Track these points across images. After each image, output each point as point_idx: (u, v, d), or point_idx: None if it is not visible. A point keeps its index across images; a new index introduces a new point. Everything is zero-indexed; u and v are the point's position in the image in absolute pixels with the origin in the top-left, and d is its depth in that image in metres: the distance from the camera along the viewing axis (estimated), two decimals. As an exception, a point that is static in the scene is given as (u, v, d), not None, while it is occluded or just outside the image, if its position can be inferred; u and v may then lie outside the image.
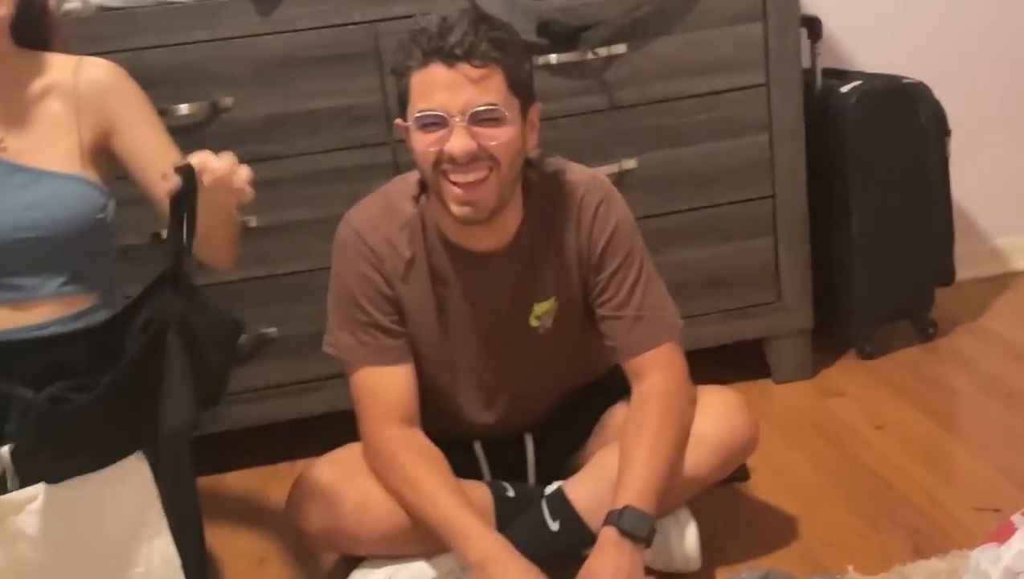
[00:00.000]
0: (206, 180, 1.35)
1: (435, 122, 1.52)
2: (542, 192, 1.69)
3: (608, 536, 1.57)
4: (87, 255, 1.60)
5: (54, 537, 1.37)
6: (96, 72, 1.63)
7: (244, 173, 1.40)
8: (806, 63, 2.34)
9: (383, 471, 1.67)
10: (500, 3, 2.06)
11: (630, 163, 2.20)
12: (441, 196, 1.58)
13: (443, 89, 1.51)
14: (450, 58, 1.50)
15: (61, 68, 1.62)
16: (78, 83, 1.61)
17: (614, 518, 1.57)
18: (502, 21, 1.58)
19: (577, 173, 1.73)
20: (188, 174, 1.35)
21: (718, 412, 1.71)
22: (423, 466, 1.65)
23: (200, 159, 1.36)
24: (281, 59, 2.08)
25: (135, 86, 1.66)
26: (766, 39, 2.20)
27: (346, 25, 2.08)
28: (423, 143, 1.55)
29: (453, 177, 1.55)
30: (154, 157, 1.61)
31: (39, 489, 1.35)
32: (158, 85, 2.02)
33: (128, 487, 1.43)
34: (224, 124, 2.09)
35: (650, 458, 1.61)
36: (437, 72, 1.51)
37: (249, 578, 1.91)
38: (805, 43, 2.33)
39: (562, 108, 2.15)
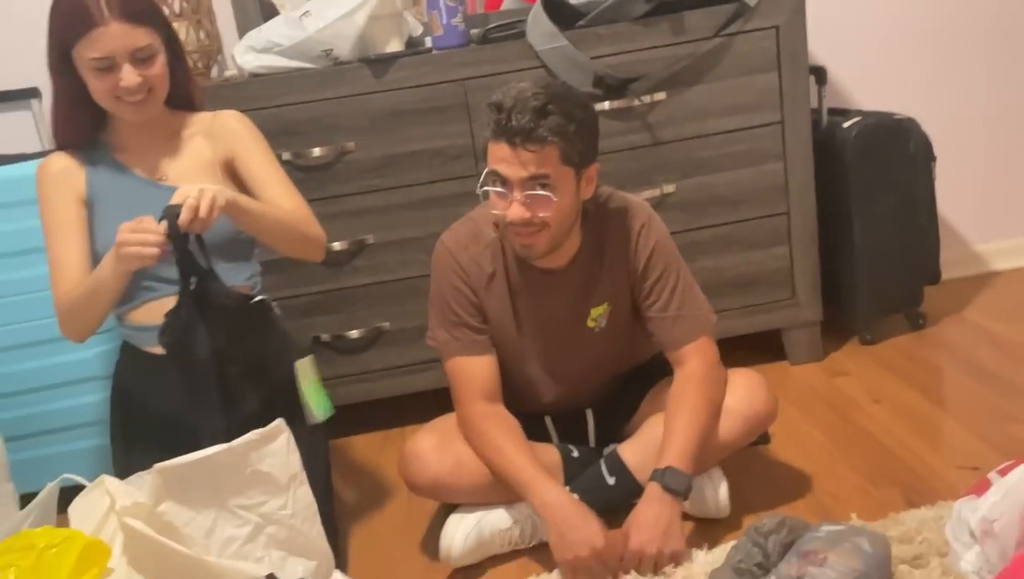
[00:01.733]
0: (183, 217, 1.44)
1: (500, 191, 1.55)
2: (596, 219, 1.68)
3: (653, 490, 1.57)
4: (235, 249, 1.68)
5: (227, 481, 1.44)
6: (227, 118, 1.71)
7: (204, 206, 1.45)
8: (814, 104, 2.29)
9: (472, 439, 1.69)
10: (562, 62, 2.07)
11: (670, 188, 2.19)
12: (507, 238, 1.61)
13: (505, 162, 1.52)
14: (512, 140, 1.50)
15: (203, 119, 1.71)
16: (214, 126, 1.70)
17: (658, 476, 1.57)
18: (568, 101, 1.53)
19: (624, 202, 1.71)
20: (173, 213, 1.46)
21: (744, 390, 1.70)
22: (502, 434, 1.66)
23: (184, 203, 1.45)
24: (390, 111, 2.11)
25: (253, 126, 1.73)
26: (780, 85, 2.17)
27: (441, 83, 2.10)
28: (493, 203, 1.57)
29: (513, 233, 1.57)
30: (262, 178, 1.68)
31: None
32: (296, 134, 2.08)
33: (278, 440, 1.49)
34: (348, 163, 2.13)
35: (688, 428, 1.61)
36: (502, 149, 1.52)
37: (369, 520, 1.93)
38: (813, 87, 2.29)
39: (614, 145, 2.14)
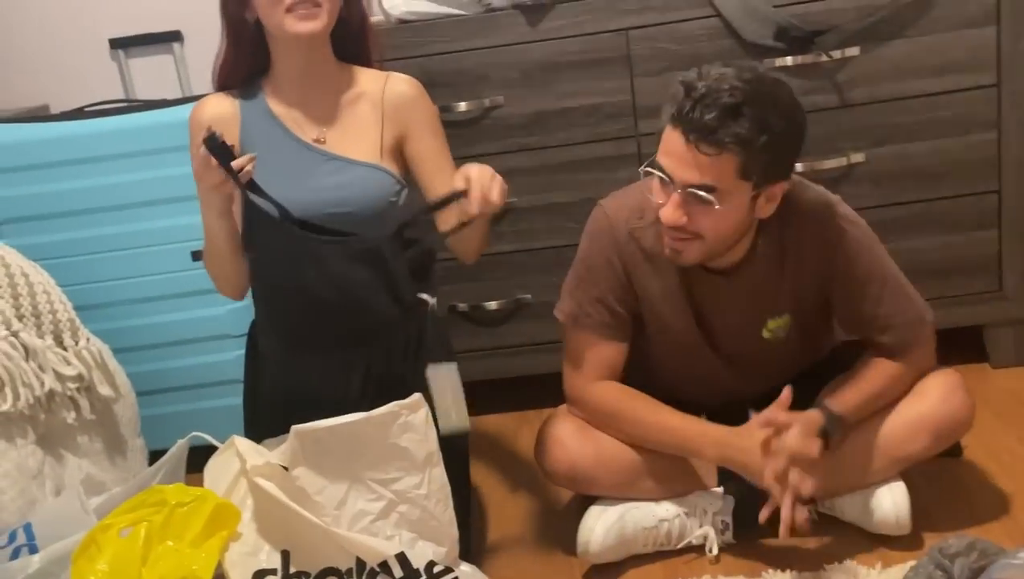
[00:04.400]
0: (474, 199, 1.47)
1: (663, 177, 1.50)
2: (774, 220, 1.58)
3: (812, 414, 1.57)
4: (380, 230, 1.69)
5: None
6: (401, 86, 1.71)
7: (496, 192, 1.47)
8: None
9: (604, 418, 1.68)
10: (740, 10, 2.01)
11: (858, 157, 2.10)
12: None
13: (672, 156, 1.46)
14: (688, 134, 1.43)
15: (373, 80, 1.71)
16: (385, 93, 1.70)
17: (822, 407, 1.58)
18: (769, 107, 1.44)
19: (809, 196, 1.62)
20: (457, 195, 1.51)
21: (937, 392, 1.64)
22: (638, 402, 1.66)
23: (474, 185, 1.47)
24: (544, 63, 2.11)
25: (430, 103, 1.73)
26: (999, 42, 2.03)
27: (602, 33, 2.09)
28: (653, 189, 1.53)
29: (664, 231, 1.54)
30: (434, 165, 1.70)
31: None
32: (442, 86, 2.11)
33: (418, 426, 1.53)
34: (495, 119, 2.15)
35: (862, 397, 1.61)
36: (676, 140, 1.45)
37: (502, 505, 1.97)
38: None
39: (795, 106, 2.07)
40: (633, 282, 1.68)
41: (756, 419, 1.59)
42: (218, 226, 1.60)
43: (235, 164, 1.50)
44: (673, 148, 1.46)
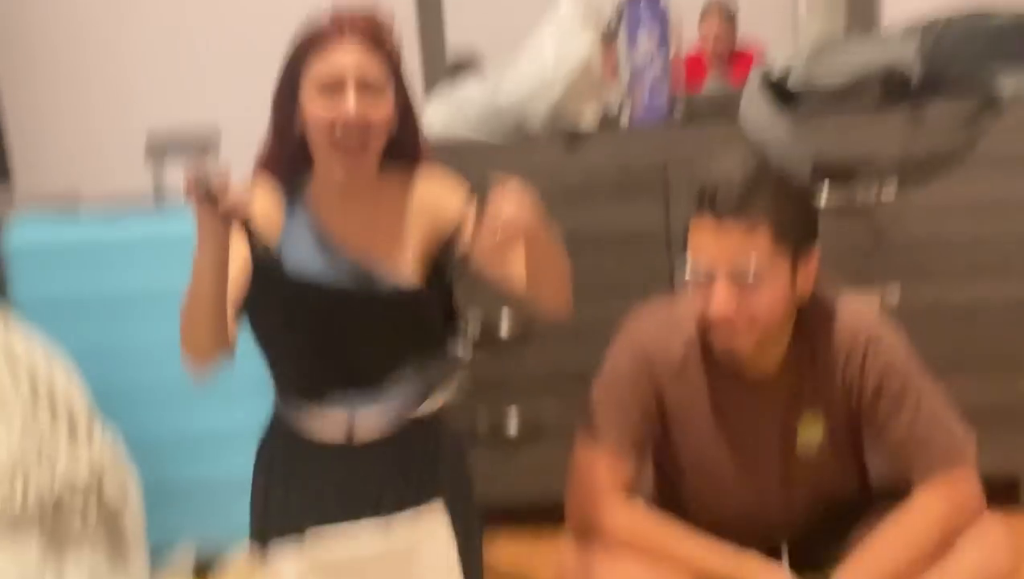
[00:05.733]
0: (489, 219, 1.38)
1: (699, 281, 1.50)
2: (809, 328, 1.60)
3: None
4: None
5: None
6: (429, 185, 1.67)
7: (511, 207, 1.39)
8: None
9: (635, 540, 1.61)
10: (778, 147, 2.07)
11: (893, 296, 2.12)
12: (711, 338, 1.57)
13: (710, 247, 1.48)
14: (718, 214, 1.46)
15: (404, 185, 1.67)
16: (415, 195, 1.66)
17: None
18: (781, 175, 1.51)
19: (845, 313, 1.62)
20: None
21: (979, 539, 1.57)
22: (672, 530, 1.61)
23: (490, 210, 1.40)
24: (580, 187, 2.16)
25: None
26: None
27: (639, 162, 2.15)
28: (693, 290, 1.53)
29: (714, 331, 1.54)
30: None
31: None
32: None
33: (436, 540, 1.48)
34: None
35: (884, 560, 1.53)
36: (706, 226, 1.48)
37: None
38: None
39: (830, 244, 2.08)
40: (661, 396, 1.66)
41: None
42: (210, 262, 1.44)
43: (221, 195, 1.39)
44: (706, 239, 1.48)
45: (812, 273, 1.56)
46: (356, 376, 1.60)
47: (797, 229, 1.50)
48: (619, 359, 1.69)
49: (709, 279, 1.49)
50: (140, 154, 2.55)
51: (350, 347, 1.59)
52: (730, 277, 1.47)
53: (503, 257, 1.47)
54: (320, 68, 1.53)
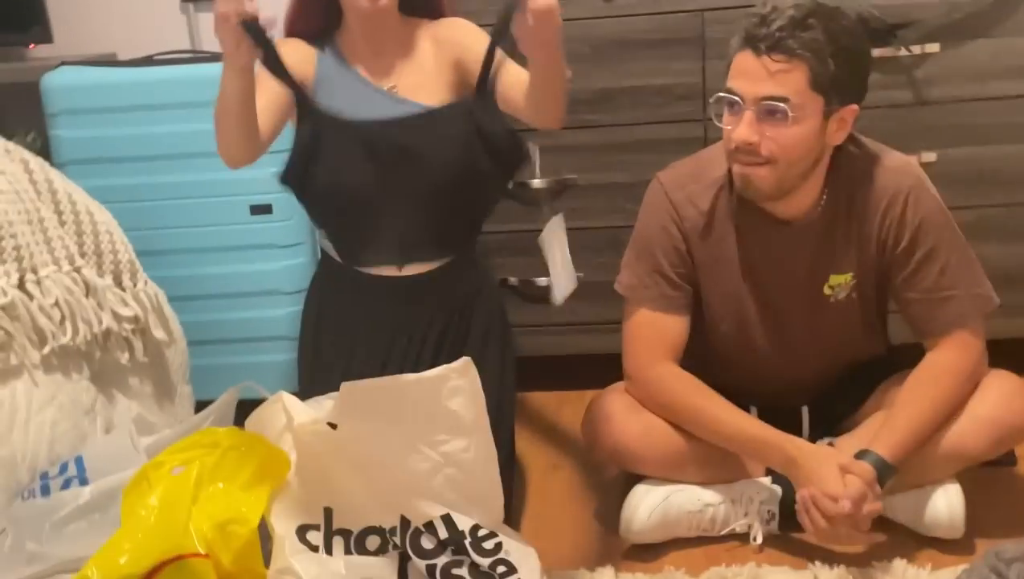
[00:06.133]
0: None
1: (731, 104, 1.52)
2: (848, 173, 1.63)
3: (868, 472, 1.54)
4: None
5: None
6: (449, 26, 1.74)
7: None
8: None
9: (661, 402, 1.68)
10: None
11: (930, 156, 2.09)
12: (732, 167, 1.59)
13: (744, 76, 1.50)
14: (757, 48, 1.48)
15: (429, 28, 1.74)
16: (439, 37, 1.72)
17: (864, 457, 1.55)
18: (836, 23, 1.49)
19: (888, 161, 1.64)
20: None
21: (997, 394, 1.63)
22: (701, 394, 1.66)
23: None
24: (616, 39, 2.12)
25: (478, 30, 1.73)
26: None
27: (677, 12, 2.09)
28: (724, 120, 1.55)
29: (733, 158, 1.55)
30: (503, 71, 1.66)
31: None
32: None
33: (467, 390, 1.53)
34: (562, 93, 2.16)
35: (915, 424, 1.57)
36: (745, 59, 1.50)
37: (544, 480, 1.99)
38: None
39: (870, 100, 2.04)
40: (690, 247, 1.69)
41: (835, 457, 1.57)
42: (238, 85, 1.47)
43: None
44: (744, 67, 1.50)
45: (846, 126, 1.56)
46: (405, 204, 1.66)
47: (837, 79, 1.49)
48: (648, 216, 1.72)
49: (740, 108, 1.52)
50: (176, 19, 2.56)
51: (400, 176, 1.64)
52: (759, 108, 1.50)
53: (545, 41, 1.40)
54: None
